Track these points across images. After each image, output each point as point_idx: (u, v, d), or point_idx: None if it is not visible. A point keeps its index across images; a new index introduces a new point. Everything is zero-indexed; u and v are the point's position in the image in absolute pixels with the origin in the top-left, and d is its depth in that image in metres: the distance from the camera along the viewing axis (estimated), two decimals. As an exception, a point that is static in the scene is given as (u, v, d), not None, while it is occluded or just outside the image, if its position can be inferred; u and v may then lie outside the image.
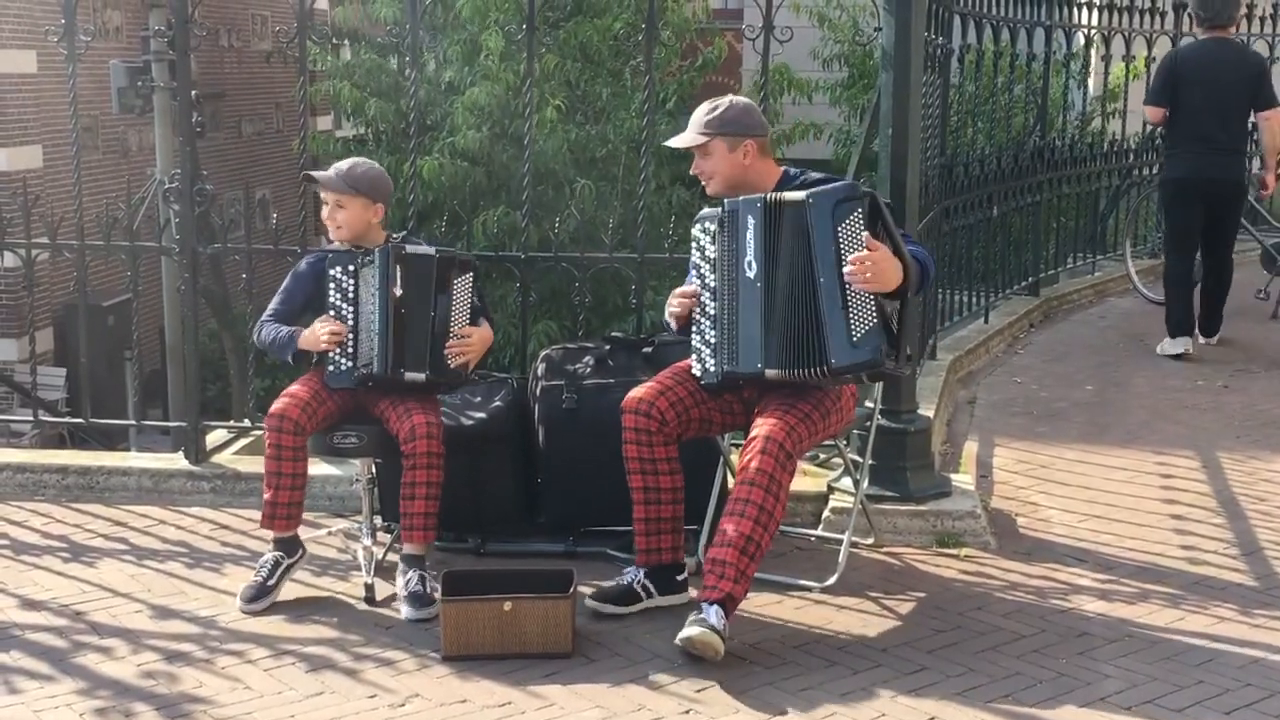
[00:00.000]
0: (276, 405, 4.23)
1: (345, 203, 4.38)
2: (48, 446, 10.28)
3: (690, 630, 3.69)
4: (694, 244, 4.11)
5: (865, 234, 3.80)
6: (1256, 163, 8.77)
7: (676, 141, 4.17)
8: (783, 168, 4.19)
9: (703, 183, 4.18)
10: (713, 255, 4.01)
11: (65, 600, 4.22)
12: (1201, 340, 7.50)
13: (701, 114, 4.14)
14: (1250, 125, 7.49)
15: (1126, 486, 5.27)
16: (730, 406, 4.14)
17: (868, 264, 3.77)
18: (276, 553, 4.25)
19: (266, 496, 4.25)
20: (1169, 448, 5.74)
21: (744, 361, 3.94)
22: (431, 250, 4.38)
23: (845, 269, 3.79)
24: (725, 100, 4.17)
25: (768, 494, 3.77)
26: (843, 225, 3.82)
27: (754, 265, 3.92)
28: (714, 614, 3.70)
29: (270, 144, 20.09)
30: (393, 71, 13.12)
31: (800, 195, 3.91)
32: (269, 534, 4.30)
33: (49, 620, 4.08)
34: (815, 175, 4.16)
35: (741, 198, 3.99)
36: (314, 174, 4.45)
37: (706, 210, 4.11)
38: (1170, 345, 7.34)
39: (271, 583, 4.18)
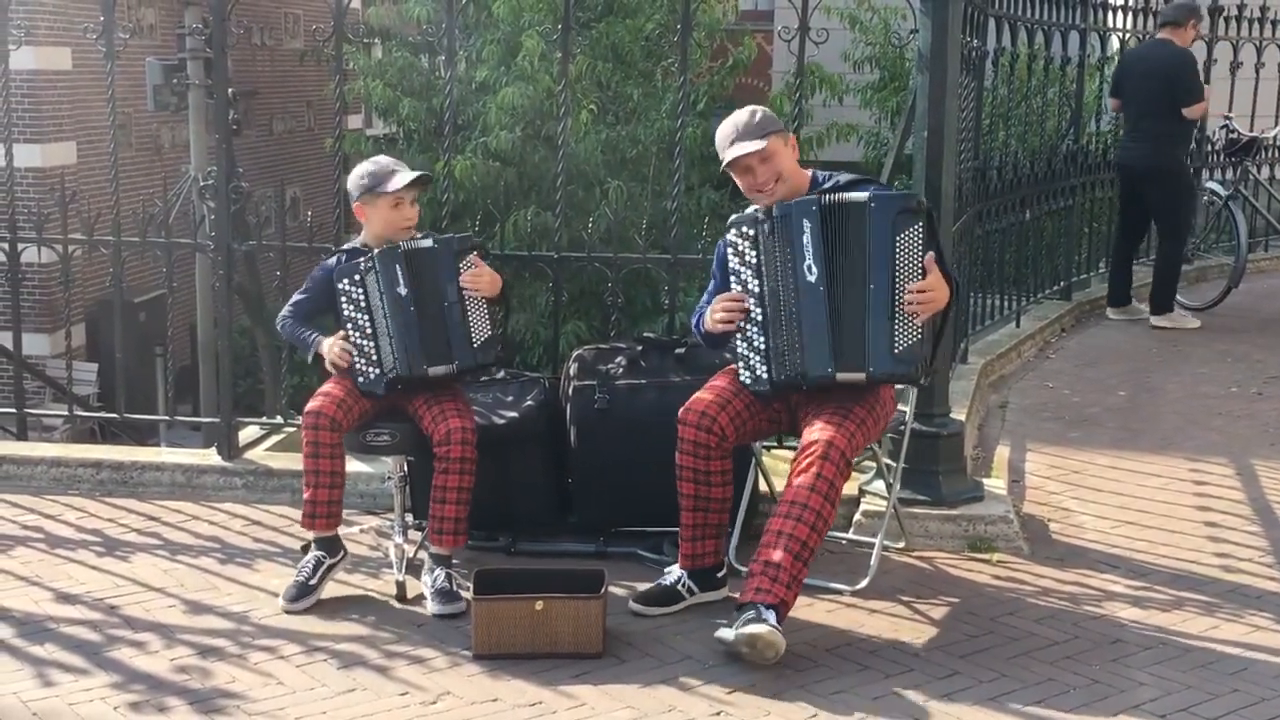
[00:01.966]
0: (313, 403, 4.24)
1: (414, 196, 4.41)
2: (78, 441, 10.36)
3: (756, 628, 3.61)
4: (730, 249, 4.01)
5: (928, 255, 3.80)
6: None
7: (741, 149, 3.95)
8: (809, 170, 4.12)
9: (766, 190, 3.97)
10: (754, 260, 3.97)
11: (99, 594, 4.25)
12: (1151, 321, 8.10)
13: (745, 124, 3.97)
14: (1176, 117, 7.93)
15: (1160, 493, 5.24)
16: (777, 414, 4.11)
17: (928, 292, 3.79)
18: (318, 552, 4.25)
19: (306, 496, 4.26)
20: (1203, 454, 5.70)
21: (813, 365, 3.88)
22: (429, 242, 4.34)
23: (906, 294, 3.78)
24: (747, 109, 4.05)
25: (826, 501, 3.74)
26: (901, 235, 3.81)
27: (814, 269, 3.87)
28: (773, 617, 3.66)
29: (301, 142, 20.17)
30: (425, 70, 13.15)
31: (862, 197, 3.87)
32: (307, 533, 4.31)
33: (83, 614, 4.11)
34: (845, 178, 4.08)
35: (793, 201, 3.93)
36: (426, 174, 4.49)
37: (739, 215, 4.03)
38: (1110, 313, 8.36)
39: (314, 582, 4.18)
